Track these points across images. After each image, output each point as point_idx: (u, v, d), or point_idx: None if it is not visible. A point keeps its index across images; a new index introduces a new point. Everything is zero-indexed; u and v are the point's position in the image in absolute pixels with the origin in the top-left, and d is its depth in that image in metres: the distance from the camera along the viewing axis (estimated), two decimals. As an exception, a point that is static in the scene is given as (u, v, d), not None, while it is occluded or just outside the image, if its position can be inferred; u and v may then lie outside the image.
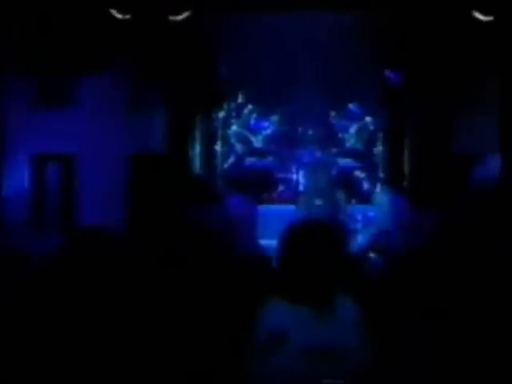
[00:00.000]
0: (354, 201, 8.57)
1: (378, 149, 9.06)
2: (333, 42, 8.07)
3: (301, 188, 8.79)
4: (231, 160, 9.25)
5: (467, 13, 7.59)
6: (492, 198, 6.60)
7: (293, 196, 8.68)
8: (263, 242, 6.66)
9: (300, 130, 9.29)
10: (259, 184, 8.94)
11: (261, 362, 2.92)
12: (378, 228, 7.04)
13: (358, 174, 9.02)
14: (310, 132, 9.22)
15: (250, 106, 9.30)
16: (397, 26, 8.01)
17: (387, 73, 8.64)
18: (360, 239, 7.62)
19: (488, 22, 7.55)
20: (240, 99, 9.23)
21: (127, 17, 7.81)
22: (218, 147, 9.14)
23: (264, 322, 2.94)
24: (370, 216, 7.79)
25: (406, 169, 8.60)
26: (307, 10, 8.13)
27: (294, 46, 8.48)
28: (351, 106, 9.20)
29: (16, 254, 4.79)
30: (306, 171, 8.53)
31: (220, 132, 9.20)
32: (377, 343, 3.01)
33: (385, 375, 2.99)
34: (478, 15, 7.54)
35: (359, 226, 8.01)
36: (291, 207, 8.22)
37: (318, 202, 7.89)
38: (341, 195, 7.94)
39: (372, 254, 6.64)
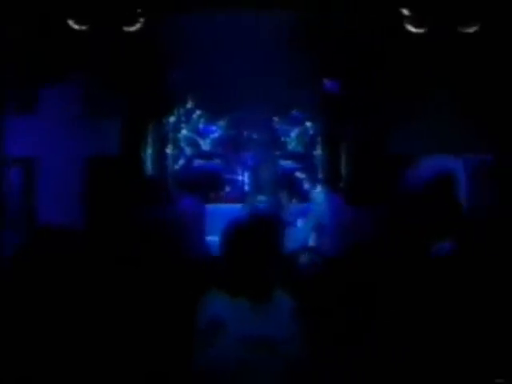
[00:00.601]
0: (295, 199, 8.85)
1: (317, 152, 9.28)
2: (277, 52, 8.30)
3: (246, 188, 9.02)
4: (181, 162, 9.35)
5: (400, 25, 7.88)
6: (424, 197, 7.10)
7: (239, 195, 8.99)
8: (211, 238, 7.11)
9: (245, 133, 9.44)
10: (207, 184, 9.08)
11: (201, 352, 2.98)
12: (316, 225, 7.55)
13: (299, 174, 9.17)
14: (255, 136, 9.39)
15: (198, 112, 9.45)
16: (333, 35, 8.28)
17: (325, 81, 8.89)
18: (299, 235, 7.90)
19: (420, 34, 7.84)
20: (189, 105, 9.38)
21: (84, 28, 7.93)
22: (168, 150, 9.24)
23: (204, 312, 3.01)
24: (310, 213, 8.17)
25: (343, 170, 8.85)
26: (252, 18, 8.25)
27: (240, 54, 8.60)
28: (293, 112, 9.41)
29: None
30: (251, 172, 8.89)
31: (171, 135, 9.32)
32: (311, 335, 3.11)
33: (318, 366, 3.12)
34: (411, 28, 7.87)
35: (299, 223, 8.23)
36: (237, 206, 8.59)
37: (262, 200, 8.42)
38: (283, 194, 8.44)
39: (309, 250, 7.10)
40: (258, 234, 3.14)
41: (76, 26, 7.98)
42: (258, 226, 3.20)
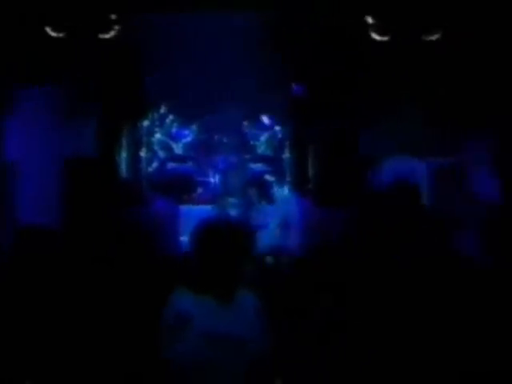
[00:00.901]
0: (264, 201, 8.66)
1: (286, 155, 9.42)
2: (247, 58, 8.28)
3: (217, 190, 9.07)
4: (155, 165, 9.46)
5: (365, 33, 8.21)
6: (388, 198, 7.29)
7: (210, 197, 9.04)
8: (184, 238, 7.26)
9: (216, 137, 9.52)
10: (180, 187, 9.07)
11: (169, 346, 2.97)
12: (284, 226, 7.73)
13: (268, 177, 9.22)
14: (225, 140, 9.47)
15: (171, 116, 9.55)
16: (300, 42, 8.54)
17: (293, 86, 9.11)
18: (267, 236, 7.87)
19: (384, 42, 8.15)
20: (162, 109, 9.49)
21: (61, 35, 8.15)
22: (142, 153, 9.35)
23: (172, 307, 3.02)
24: (278, 215, 8.13)
25: (311, 173, 9.07)
26: (224, 25, 8.44)
27: (212, 60, 8.79)
28: (262, 116, 9.52)
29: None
30: (222, 175, 8.97)
31: (145, 139, 9.43)
32: (275, 334, 3.10)
33: (281, 364, 3.14)
34: (376, 36, 8.22)
35: (267, 224, 8.12)
36: (209, 207, 8.62)
37: (233, 202, 8.47)
38: (253, 196, 8.40)
39: (276, 251, 7.27)
40: (226, 234, 3.13)
41: (53, 34, 8.15)
42: (226, 226, 3.20)
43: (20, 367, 3.20)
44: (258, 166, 9.26)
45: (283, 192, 9.09)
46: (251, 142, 9.57)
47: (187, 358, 2.97)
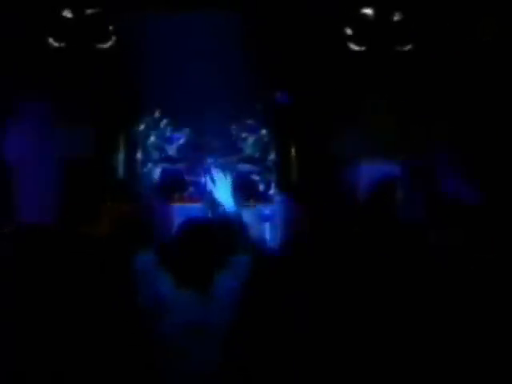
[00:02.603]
0: (251, 200, 9.19)
1: (272, 156, 9.61)
2: (234, 67, 8.75)
3: (207, 189, 8.61)
4: (149, 166, 9.61)
5: (343, 44, 8.90)
6: (365, 199, 7.71)
7: (200, 196, 9.13)
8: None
9: (206, 140, 9.65)
10: (172, 186, 9.42)
11: (146, 332, 3.15)
12: (266, 222, 8.11)
13: (255, 177, 9.47)
14: (215, 142, 9.60)
15: (165, 120, 9.72)
16: (283, 50, 9.04)
17: (277, 92, 9.43)
18: (251, 232, 8.28)
19: (361, 52, 8.84)
20: (157, 114, 9.68)
21: (62, 45, 8.76)
22: (138, 155, 9.55)
23: (150, 286, 3.18)
24: (265, 214, 8.76)
25: (294, 173, 9.50)
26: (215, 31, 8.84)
27: (201, 67, 9.16)
28: (249, 120, 9.72)
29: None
30: (211, 175, 8.09)
31: (140, 142, 9.61)
32: (252, 322, 3.32)
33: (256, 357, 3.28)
34: (353, 46, 8.86)
35: (252, 221, 7.99)
36: (199, 205, 8.88)
37: (221, 200, 8.67)
38: (240, 195, 8.21)
39: (258, 247, 7.53)
40: (209, 230, 3.37)
41: (55, 44, 8.77)
42: (210, 223, 3.40)
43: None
44: (245, 167, 9.36)
45: (268, 191, 9.47)
46: (239, 144, 9.75)
47: (165, 346, 3.16)
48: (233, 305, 3.30)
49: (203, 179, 9.38)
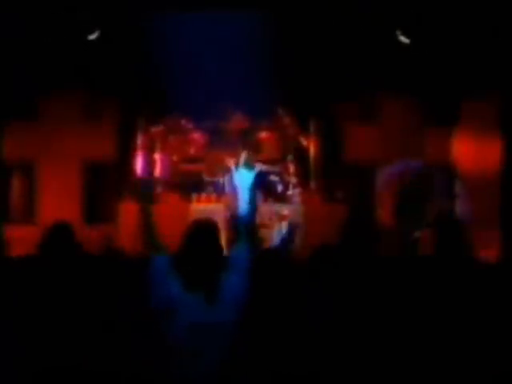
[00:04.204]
0: (270, 199, 9.25)
1: (290, 158, 9.67)
2: (255, 68, 8.74)
3: (226, 189, 9.09)
4: (168, 166, 9.62)
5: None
6: None
7: (219, 196, 9.22)
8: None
9: (226, 140, 9.74)
10: (192, 186, 9.39)
11: (155, 330, 3.07)
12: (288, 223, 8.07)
13: (273, 177, 9.52)
14: (235, 142, 9.62)
15: (184, 121, 9.85)
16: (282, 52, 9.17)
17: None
18: (272, 234, 8.50)
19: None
20: (176, 115, 9.80)
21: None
22: (156, 156, 9.60)
23: (164, 288, 3.10)
24: (284, 213, 8.76)
25: (312, 174, 9.70)
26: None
27: (222, 68, 9.27)
28: (270, 121, 9.95)
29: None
30: (231, 175, 9.01)
31: (159, 142, 9.67)
32: (256, 323, 3.19)
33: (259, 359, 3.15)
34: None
35: (272, 222, 8.71)
36: (219, 206, 8.93)
37: (240, 200, 8.67)
38: (259, 195, 8.82)
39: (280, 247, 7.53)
40: (209, 235, 3.24)
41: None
42: (210, 229, 3.28)
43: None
44: (264, 167, 9.33)
45: (287, 192, 9.49)
46: (258, 145, 9.86)
47: (172, 345, 3.09)
48: (241, 305, 3.24)
49: (221, 179, 9.46)
